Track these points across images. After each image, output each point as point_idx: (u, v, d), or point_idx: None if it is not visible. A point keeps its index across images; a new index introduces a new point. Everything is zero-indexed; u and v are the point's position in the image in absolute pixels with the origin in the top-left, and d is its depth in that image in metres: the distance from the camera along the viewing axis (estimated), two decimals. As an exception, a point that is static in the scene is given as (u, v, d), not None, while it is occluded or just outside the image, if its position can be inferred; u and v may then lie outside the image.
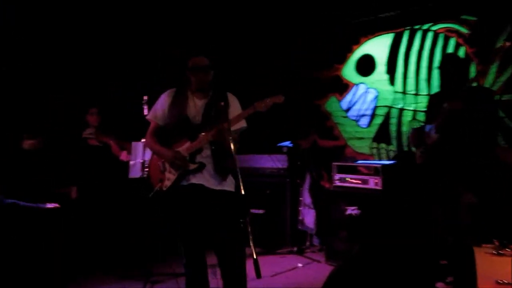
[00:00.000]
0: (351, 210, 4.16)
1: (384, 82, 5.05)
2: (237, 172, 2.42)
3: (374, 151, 5.11)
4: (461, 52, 4.42)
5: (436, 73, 4.56)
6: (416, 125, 4.65)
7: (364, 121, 5.20)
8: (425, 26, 4.74)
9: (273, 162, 5.06)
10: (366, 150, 5.17)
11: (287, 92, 2.80)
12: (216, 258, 2.82)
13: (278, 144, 5.22)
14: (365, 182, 4.16)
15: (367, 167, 4.31)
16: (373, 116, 5.13)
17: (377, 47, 5.10)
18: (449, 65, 3.30)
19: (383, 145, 5.05)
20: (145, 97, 3.89)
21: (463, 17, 4.42)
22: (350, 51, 5.31)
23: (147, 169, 3.84)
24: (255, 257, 2.25)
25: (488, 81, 4.18)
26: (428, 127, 3.35)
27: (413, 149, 3.61)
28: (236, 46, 5.62)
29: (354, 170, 4.36)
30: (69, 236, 3.81)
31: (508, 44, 2.97)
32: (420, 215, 3.75)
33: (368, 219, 4.04)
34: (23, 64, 4.21)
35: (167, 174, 2.82)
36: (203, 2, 5.27)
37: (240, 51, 5.68)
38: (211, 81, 2.83)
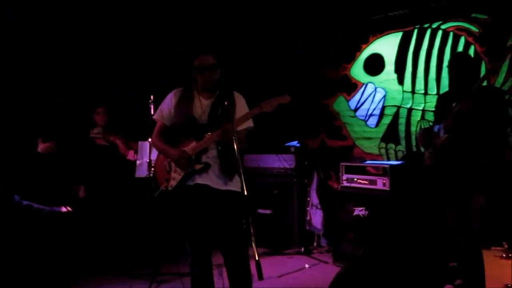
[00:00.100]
0: (359, 211, 4.12)
1: (392, 82, 5.00)
2: (240, 173, 2.38)
3: (383, 151, 5.06)
4: (471, 51, 4.36)
5: (445, 72, 4.48)
6: (425, 125, 4.60)
7: (372, 121, 5.16)
8: (435, 25, 4.69)
9: (280, 162, 5.03)
10: (374, 150, 5.12)
11: (295, 92, 2.78)
12: (221, 258, 2.80)
13: (286, 144, 5.19)
14: (372, 182, 4.12)
15: (375, 168, 4.27)
16: (381, 116, 5.08)
17: (386, 46, 5.05)
18: (459, 64, 3.24)
19: (391, 145, 5.00)
20: (152, 97, 3.89)
21: (473, 15, 4.36)
22: (359, 50, 5.26)
23: (153, 169, 3.88)
24: (257, 258, 2.22)
25: (498, 81, 4.12)
26: (437, 127, 3.30)
27: (422, 149, 3.57)
28: (237, 46, 5.60)
29: (361, 171, 4.32)
30: (76, 235, 3.82)
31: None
32: (429, 216, 3.70)
33: (375, 220, 3.99)
34: (23, 64, 4.22)
35: (172, 174, 2.81)
36: (204, 2, 5.26)
37: (242, 51, 5.66)
38: (218, 80, 2.80)
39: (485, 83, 3.31)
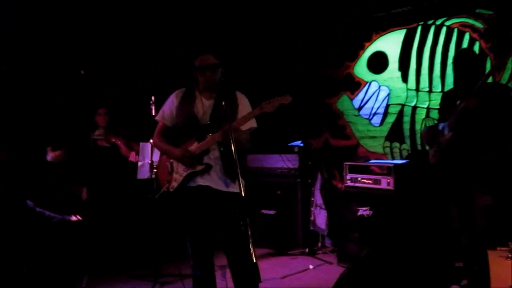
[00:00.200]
0: (363, 211, 4.08)
1: (396, 80, 4.95)
2: (237, 173, 2.36)
3: (387, 150, 5.01)
4: (476, 48, 4.30)
5: (450, 70, 4.44)
6: (430, 123, 4.54)
7: (376, 120, 5.10)
8: (439, 21, 4.63)
9: (284, 162, 5.00)
10: (379, 149, 5.07)
11: (297, 92, 2.76)
12: (225, 259, 2.79)
13: (289, 144, 5.15)
14: (377, 182, 4.07)
15: (379, 167, 4.22)
16: (385, 114, 5.03)
17: (389, 43, 5.00)
18: (464, 61, 3.21)
19: (396, 144, 4.95)
20: (153, 98, 3.88)
21: (478, 11, 4.30)
22: (362, 48, 5.22)
23: (155, 170, 3.86)
24: (254, 261, 2.19)
25: (504, 77, 4.05)
26: (441, 125, 3.26)
27: (427, 147, 3.52)
28: (238, 46, 5.57)
29: (365, 170, 4.28)
30: (79, 236, 3.81)
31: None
32: (433, 216, 3.66)
33: (380, 220, 3.95)
34: (23, 64, 4.22)
35: (174, 175, 2.79)
36: (203, 2, 5.24)
37: (243, 51, 5.63)
38: (219, 80, 2.78)
39: (490, 80, 3.26)
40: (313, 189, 4.89)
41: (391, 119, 4.99)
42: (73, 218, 3.69)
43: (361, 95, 5.24)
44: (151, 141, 3.93)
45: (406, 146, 4.86)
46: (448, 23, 4.57)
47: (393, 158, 4.91)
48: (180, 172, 2.76)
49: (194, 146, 2.74)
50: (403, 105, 4.90)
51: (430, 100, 4.67)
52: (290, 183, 4.93)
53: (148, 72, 5.02)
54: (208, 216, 2.73)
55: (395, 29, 4.94)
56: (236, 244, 2.68)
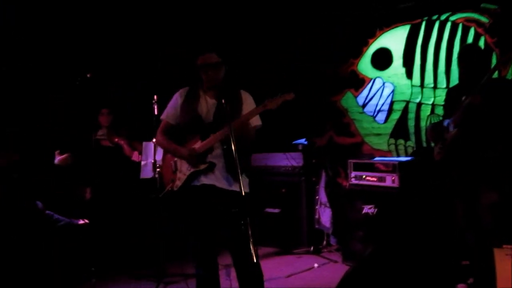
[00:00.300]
0: (368, 209, 4.04)
1: (401, 76, 4.90)
2: (238, 172, 2.34)
3: (392, 147, 4.97)
4: (481, 43, 4.24)
5: (455, 65, 4.39)
6: (435, 120, 4.50)
7: (381, 117, 5.06)
8: (443, 17, 4.58)
9: (288, 160, 4.98)
10: (383, 147, 5.03)
11: (301, 89, 2.73)
12: (229, 259, 2.78)
13: (293, 142, 5.13)
14: (381, 179, 4.04)
15: (384, 164, 4.18)
16: (390, 111, 4.98)
17: (393, 39, 4.95)
18: (469, 56, 3.17)
19: (401, 141, 4.91)
20: (155, 97, 3.87)
21: (483, 5, 4.25)
22: (366, 44, 5.17)
23: (159, 169, 3.86)
24: (255, 261, 2.17)
25: (510, 73, 4.01)
26: (446, 122, 3.22)
27: (432, 144, 3.48)
28: (238, 45, 5.52)
29: (370, 168, 4.24)
30: (86, 239, 3.82)
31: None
32: (439, 213, 3.62)
33: (385, 218, 3.92)
34: (23, 64, 4.22)
35: (178, 174, 2.78)
36: (203, 2, 5.23)
37: (244, 50, 5.59)
38: (222, 78, 2.76)
39: (496, 75, 3.22)
40: (317, 187, 4.87)
41: (395, 116, 4.94)
42: (81, 221, 3.70)
43: (365, 92, 5.20)
44: (154, 140, 3.94)
45: (411, 143, 4.82)
46: (452, 18, 4.51)
47: (398, 156, 4.86)
48: (183, 171, 2.75)
49: (197, 145, 2.73)
50: (407, 102, 4.85)
51: (435, 97, 4.62)
52: (294, 181, 4.90)
53: (148, 72, 5.01)
54: (212, 215, 2.72)
55: (399, 25, 4.89)
56: (241, 243, 2.67)
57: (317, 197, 4.83)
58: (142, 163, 4.10)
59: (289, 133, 5.27)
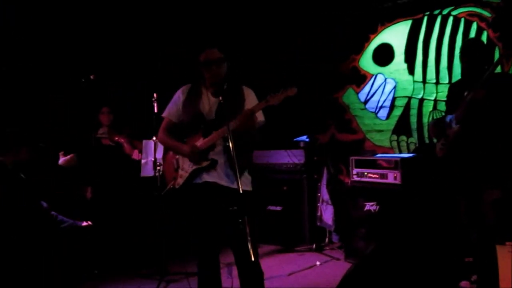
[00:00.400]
0: (370, 206, 4.02)
1: (403, 72, 4.87)
2: (235, 169, 2.33)
3: (394, 144, 4.94)
4: (484, 37, 4.20)
5: (457, 61, 4.35)
6: (438, 115, 4.46)
7: (383, 113, 5.03)
8: (445, 11, 4.53)
9: (289, 157, 4.96)
10: (386, 143, 5.00)
11: (302, 86, 2.71)
12: (230, 257, 2.77)
13: (295, 139, 5.10)
14: (383, 176, 4.01)
15: (386, 161, 4.15)
16: (392, 107, 4.95)
17: (395, 35, 4.91)
18: (471, 51, 3.12)
19: (403, 137, 4.87)
20: (155, 95, 3.85)
21: (485, -1, 4.21)
22: (367, 40, 5.13)
23: (159, 167, 3.85)
24: (253, 259, 2.15)
25: (513, 67, 3.96)
26: (449, 118, 3.19)
27: (435, 141, 3.45)
28: (238, 45, 5.50)
29: (372, 164, 4.21)
30: (88, 241, 3.82)
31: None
32: (441, 210, 3.59)
33: (387, 215, 3.89)
34: (23, 64, 4.21)
35: (180, 172, 2.77)
36: (203, 2, 5.21)
37: (244, 49, 5.56)
38: (225, 75, 2.74)
39: (499, 70, 3.18)
40: (319, 184, 4.84)
41: (397, 112, 4.91)
42: (84, 223, 3.70)
43: (367, 88, 5.16)
44: (154, 138, 3.93)
45: (414, 139, 4.78)
46: (454, 12, 4.47)
47: (400, 152, 4.83)
48: (185, 169, 2.73)
49: (200, 142, 2.71)
50: (410, 98, 4.82)
51: (437, 92, 4.59)
52: (296, 178, 4.89)
53: (148, 72, 5.00)
54: (214, 213, 2.70)
55: (401, 20, 4.86)
56: (242, 241, 2.65)
57: (319, 194, 4.81)
58: (142, 161, 4.09)
59: (291, 130, 5.25)
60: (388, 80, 5.00)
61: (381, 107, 5.04)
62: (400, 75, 4.89)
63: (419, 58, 4.73)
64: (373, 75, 5.11)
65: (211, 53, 2.72)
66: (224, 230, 2.72)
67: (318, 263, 4.23)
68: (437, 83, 4.61)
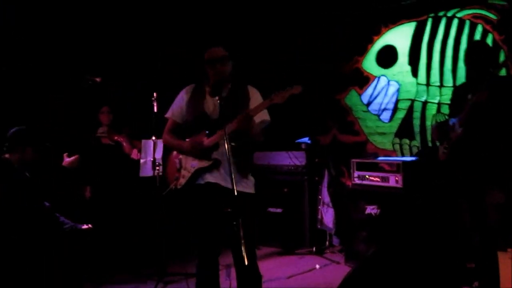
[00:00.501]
0: (371, 209, 3.98)
1: (406, 74, 4.82)
2: (230, 171, 2.31)
3: (397, 147, 4.89)
4: (489, 40, 4.16)
5: (462, 63, 4.30)
6: (441, 119, 4.41)
7: (386, 116, 4.98)
8: (450, 13, 4.49)
9: (291, 159, 4.92)
10: (388, 146, 4.96)
11: (305, 87, 2.67)
12: (229, 259, 2.73)
13: (296, 141, 5.06)
14: (385, 179, 3.98)
15: (387, 164, 4.11)
16: (395, 110, 4.91)
17: (399, 36, 4.87)
18: (476, 54, 3.09)
19: (406, 140, 4.83)
20: (155, 94, 3.83)
21: (491, 1, 4.17)
22: (371, 41, 5.09)
23: (158, 167, 3.82)
24: (246, 263, 2.11)
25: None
26: (452, 121, 3.15)
27: (438, 144, 3.41)
28: (242, 42, 5.46)
29: (373, 167, 4.17)
30: (88, 244, 3.79)
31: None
32: (443, 215, 3.55)
33: (388, 218, 3.85)
34: (23, 64, 4.20)
35: (182, 172, 2.74)
36: (204, 2, 5.19)
37: (248, 47, 5.53)
38: (230, 74, 2.71)
39: (504, 73, 3.14)
40: (320, 186, 4.80)
41: (400, 114, 4.86)
42: (84, 226, 3.68)
43: (370, 90, 5.12)
44: (153, 138, 3.90)
45: (416, 142, 4.74)
46: (459, 14, 4.43)
47: (402, 155, 4.79)
48: (188, 169, 2.71)
49: (204, 142, 2.67)
50: (413, 101, 4.77)
51: (441, 95, 4.55)
52: (297, 180, 4.85)
53: (148, 72, 4.98)
54: (216, 214, 2.66)
55: (405, 22, 4.82)
56: (239, 244, 2.62)
57: (319, 196, 4.77)
58: (142, 161, 4.07)
59: (292, 131, 5.21)
60: (391, 82, 4.96)
61: (384, 109, 5.00)
62: (403, 77, 4.85)
63: (423, 61, 4.69)
64: (376, 77, 5.07)
65: (216, 51, 2.70)
66: (224, 231, 2.69)
67: (317, 266, 4.19)
68: (441, 86, 4.56)
